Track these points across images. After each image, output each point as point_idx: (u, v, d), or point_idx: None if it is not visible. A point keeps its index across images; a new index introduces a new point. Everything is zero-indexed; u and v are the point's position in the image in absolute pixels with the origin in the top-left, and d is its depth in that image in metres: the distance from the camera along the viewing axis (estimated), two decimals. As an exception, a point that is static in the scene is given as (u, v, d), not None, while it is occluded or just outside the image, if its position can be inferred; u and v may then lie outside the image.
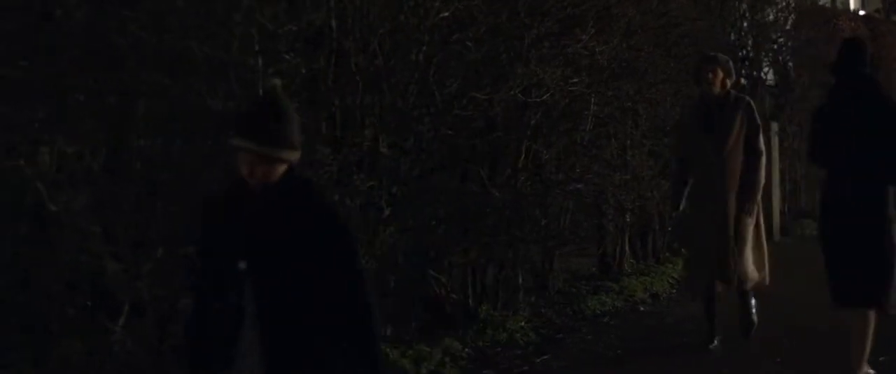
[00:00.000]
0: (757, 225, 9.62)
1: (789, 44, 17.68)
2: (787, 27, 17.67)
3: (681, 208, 9.71)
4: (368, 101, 8.15)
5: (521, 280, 10.89)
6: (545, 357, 9.47)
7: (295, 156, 4.17)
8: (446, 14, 8.69)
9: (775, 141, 16.42)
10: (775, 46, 17.53)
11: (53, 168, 6.25)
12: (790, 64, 17.55)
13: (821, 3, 19.69)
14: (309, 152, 7.64)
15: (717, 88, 9.41)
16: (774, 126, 16.42)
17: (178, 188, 6.82)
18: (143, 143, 6.59)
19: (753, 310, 9.82)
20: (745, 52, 16.87)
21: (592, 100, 10.78)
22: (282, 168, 4.09)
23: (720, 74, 9.44)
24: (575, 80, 10.30)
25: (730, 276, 9.46)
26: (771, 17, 17.11)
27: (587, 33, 10.42)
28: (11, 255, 6.11)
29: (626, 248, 13.51)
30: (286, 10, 7.56)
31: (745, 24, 16.95)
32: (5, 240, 6.07)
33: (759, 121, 9.57)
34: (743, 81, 15.74)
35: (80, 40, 6.48)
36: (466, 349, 9.30)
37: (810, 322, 10.28)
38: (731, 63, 9.74)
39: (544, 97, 10.00)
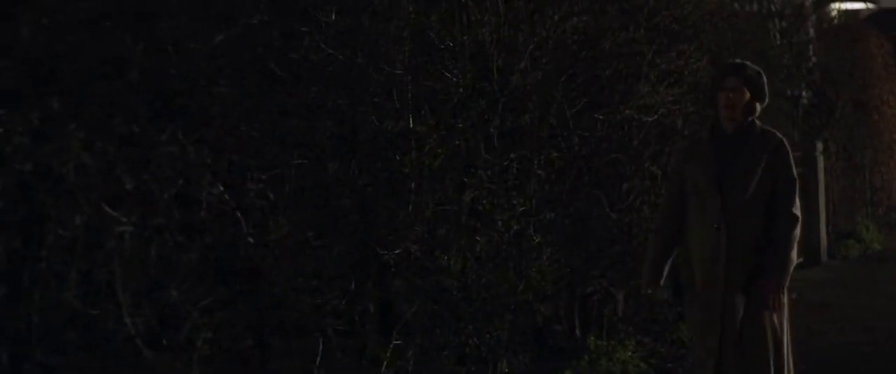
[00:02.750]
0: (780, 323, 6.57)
1: (820, 62, 17.42)
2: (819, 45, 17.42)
3: (662, 281, 6.90)
4: (523, 120, 7.73)
5: (622, 308, 10.48)
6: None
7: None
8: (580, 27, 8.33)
9: (821, 162, 16.12)
10: (811, 65, 17.24)
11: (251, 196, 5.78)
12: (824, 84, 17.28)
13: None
14: (470, 175, 7.24)
15: (736, 116, 6.61)
16: (819, 146, 16.12)
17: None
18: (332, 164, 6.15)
19: None
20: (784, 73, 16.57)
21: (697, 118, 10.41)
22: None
23: (746, 94, 6.61)
24: (687, 98, 9.94)
25: None
26: (811, 32, 16.83)
27: (690, 48, 10.08)
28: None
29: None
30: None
31: (782, 40, 16.65)
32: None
33: (795, 172, 6.65)
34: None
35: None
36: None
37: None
38: (764, 79, 6.79)
39: (656, 116, 9.63)
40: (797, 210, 6.52)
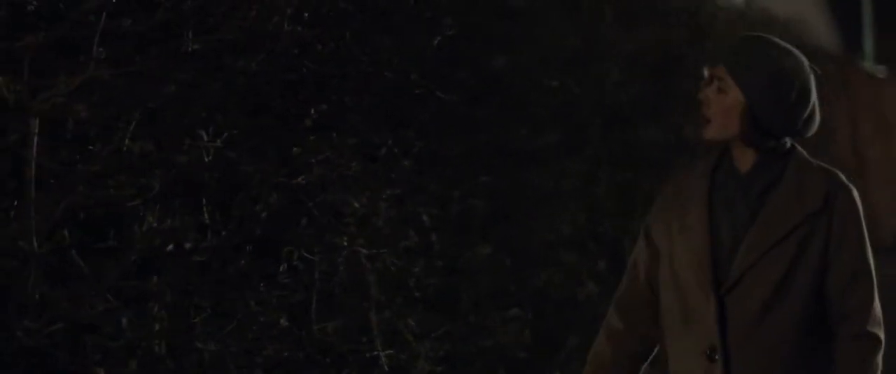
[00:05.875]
0: None
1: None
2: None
3: None
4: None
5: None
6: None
7: None
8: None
9: None
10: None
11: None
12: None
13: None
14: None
15: (716, 134, 3.63)
16: None
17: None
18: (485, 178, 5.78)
19: None
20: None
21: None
22: None
23: (733, 95, 3.59)
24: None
25: None
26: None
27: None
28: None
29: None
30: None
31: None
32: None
33: (868, 248, 3.66)
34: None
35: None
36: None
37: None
38: (787, 68, 3.62)
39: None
40: (876, 322, 3.64)
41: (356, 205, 4.36)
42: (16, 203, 3.25)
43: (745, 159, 3.71)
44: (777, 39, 3.75)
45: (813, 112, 3.68)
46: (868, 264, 3.66)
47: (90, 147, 3.46)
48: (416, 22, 4.73)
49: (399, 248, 4.55)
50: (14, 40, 3.18)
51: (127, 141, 3.45)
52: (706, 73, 3.69)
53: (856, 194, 3.71)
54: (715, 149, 3.79)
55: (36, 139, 3.23)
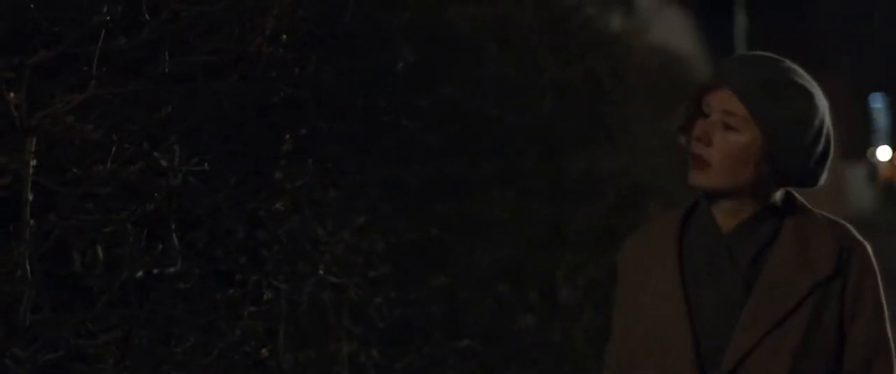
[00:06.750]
0: None
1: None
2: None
3: None
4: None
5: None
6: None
7: None
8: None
9: None
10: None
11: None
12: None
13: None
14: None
15: (714, 181, 2.90)
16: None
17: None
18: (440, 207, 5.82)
19: None
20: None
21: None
22: None
23: (748, 133, 2.87)
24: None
25: None
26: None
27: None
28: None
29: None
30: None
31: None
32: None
33: (887, 322, 2.98)
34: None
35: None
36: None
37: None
38: (806, 104, 2.90)
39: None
40: None
41: (323, 233, 4.28)
42: (12, 227, 3.12)
43: (730, 214, 2.92)
44: (787, 61, 2.96)
45: (830, 151, 2.94)
46: (888, 340, 2.96)
47: (75, 169, 3.36)
48: (379, 49, 4.69)
49: (365, 277, 4.49)
50: (12, 57, 3.06)
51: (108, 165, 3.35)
52: (706, 104, 2.88)
53: (870, 251, 2.97)
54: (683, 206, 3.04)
55: (33, 159, 3.12)
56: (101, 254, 3.30)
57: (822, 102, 2.94)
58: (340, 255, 4.39)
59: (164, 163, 3.53)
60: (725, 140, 2.86)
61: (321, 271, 4.10)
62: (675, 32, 16.36)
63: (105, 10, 3.16)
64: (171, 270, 3.74)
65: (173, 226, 3.78)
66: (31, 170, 3.10)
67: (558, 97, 7.03)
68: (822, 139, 2.91)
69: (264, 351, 3.86)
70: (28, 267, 3.16)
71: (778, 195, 2.96)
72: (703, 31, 24.11)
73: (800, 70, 2.94)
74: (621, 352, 3.04)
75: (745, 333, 2.84)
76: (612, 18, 9.70)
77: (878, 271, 2.96)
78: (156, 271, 3.50)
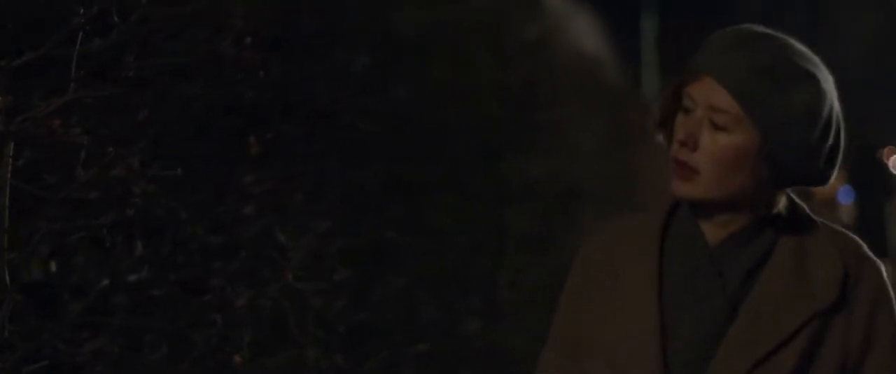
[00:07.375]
0: None
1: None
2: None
3: None
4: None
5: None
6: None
7: None
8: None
9: None
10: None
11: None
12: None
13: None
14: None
15: (701, 190, 2.37)
16: None
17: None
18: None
19: None
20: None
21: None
22: None
23: (742, 133, 2.34)
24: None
25: None
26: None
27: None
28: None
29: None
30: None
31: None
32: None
33: None
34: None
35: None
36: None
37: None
38: (824, 82, 2.35)
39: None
40: None
41: (287, 238, 4.24)
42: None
43: (719, 224, 2.41)
44: (783, 37, 2.38)
45: (841, 144, 2.41)
46: None
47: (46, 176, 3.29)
48: (337, 51, 4.68)
49: (330, 282, 4.45)
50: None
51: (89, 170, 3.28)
52: (687, 96, 2.34)
53: (883, 269, 2.42)
54: (663, 206, 2.48)
55: (11, 163, 3.05)
56: (79, 261, 3.22)
57: (829, 86, 2.35)
58: (303, 260, 4.35)
59: (136, 167, 3.46)
60: (715, 143, 2.31)
61: (290, 277, 4.03)
62: (589, 35, 16.46)
63: (82, 11, 3.09)
64: (133, 278, 3.67)
65: (136, 233, 3.72)
66: (9, 174, 3.03)
67: (497, 100, 7.03)
68: (832, 132, 2.35)
69: (238, 358, 3.80)
70: (6, 276, 3.08)
71: (777, 201, 2.42)
72: (611, 33, 24.25)
73: (800, 47, 2.37)
74: (558, 359, 2.51)
75: (724, 365, 2.32)
76: (531, 21, 9.71)
77: (894, 298, 2.41)
78: (133, 278, 3.43)
